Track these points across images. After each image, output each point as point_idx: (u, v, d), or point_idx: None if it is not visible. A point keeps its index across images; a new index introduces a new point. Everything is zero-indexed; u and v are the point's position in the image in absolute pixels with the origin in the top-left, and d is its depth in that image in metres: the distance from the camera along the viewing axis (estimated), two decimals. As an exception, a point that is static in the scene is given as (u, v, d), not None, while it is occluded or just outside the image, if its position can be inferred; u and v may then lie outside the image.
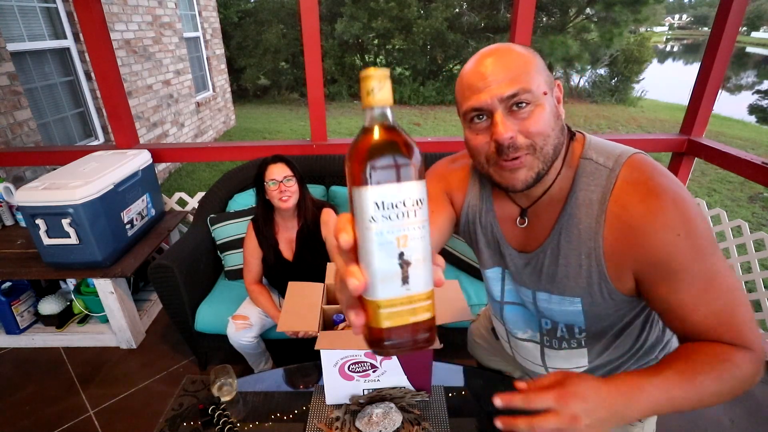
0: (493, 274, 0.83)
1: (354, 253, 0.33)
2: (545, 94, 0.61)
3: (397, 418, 0.92)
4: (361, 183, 0.30)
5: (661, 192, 0.59)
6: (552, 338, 0.81)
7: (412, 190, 0.30)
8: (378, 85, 0.31)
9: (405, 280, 0.31)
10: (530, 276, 0.75)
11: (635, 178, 0.62)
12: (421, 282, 0.32)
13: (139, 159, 1.97)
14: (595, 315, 0.73)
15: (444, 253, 1.95)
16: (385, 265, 0.31)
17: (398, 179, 0.30)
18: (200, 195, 2.35)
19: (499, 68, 0.60)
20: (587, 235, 0.65)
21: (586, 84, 10.89)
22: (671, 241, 0.57)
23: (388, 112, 0.32)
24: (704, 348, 0.59)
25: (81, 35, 3.39)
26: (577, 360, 0.82)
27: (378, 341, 0.33)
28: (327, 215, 0.35)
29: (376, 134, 0.31)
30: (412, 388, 1.00)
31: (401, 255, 0.31)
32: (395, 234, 0.30)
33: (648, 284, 0.63)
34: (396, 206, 0.30)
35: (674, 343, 0.86)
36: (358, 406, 0.96)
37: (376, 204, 0.30)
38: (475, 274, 1.83)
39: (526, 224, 0.74)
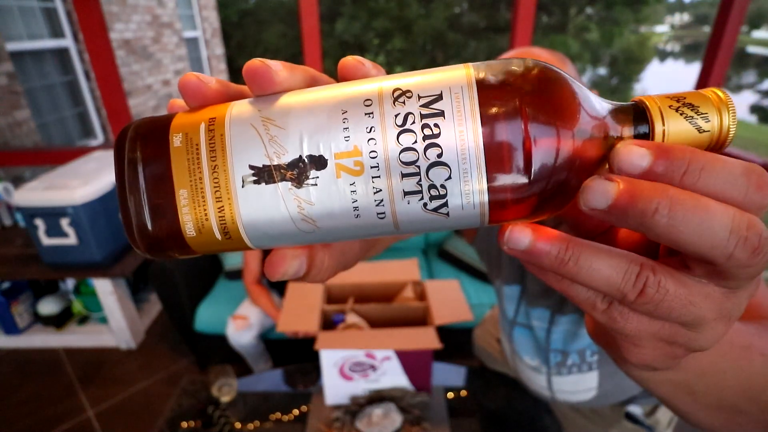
0: (510, 291, 0.81)
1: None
2: None
3: (397, 418, 0.92)
4: None
5: None
6: (561, 367, 0.78)
7: None
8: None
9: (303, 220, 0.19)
10: (556, 299, 0.73)
11: None
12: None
13: (139, 159, 1.96)
14: None
15: (444, 253, 1.94)
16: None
17: None
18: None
19: None
20: None
21: (587, 84, 10.92)
22: None
23: None
24: None
25: (80, 34, 3.39)
26: (586, 383, 0.79)
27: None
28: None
29: None
30: (412, 388, 0.99)
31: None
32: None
33: None
34: None
35: None
36: (357, 407, 0.96)
37: None
38: (475, 274, 1.83)
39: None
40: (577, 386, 0.79)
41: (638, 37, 11.21)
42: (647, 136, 0.19)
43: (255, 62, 0.19)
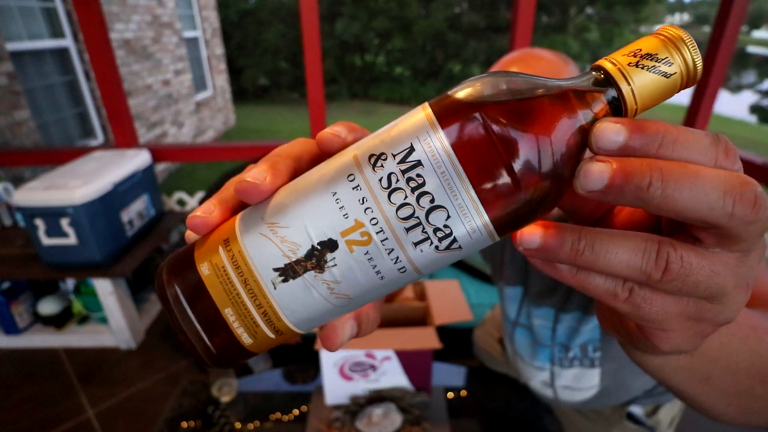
0: (512, 292, 0.81)
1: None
2: None
3: (397, 418, 0.92)
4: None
5: None
6: (563, 360, 0.79)
7: None
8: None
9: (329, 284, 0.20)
10: (559, 297, 0.73)
11: None
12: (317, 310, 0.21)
13: (139, 159, 1.96)
14: None
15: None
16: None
17: None
18: (200, 195, 2.35)
19: None
20: None
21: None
22: None
23: None
24: None
25: (80, 34, 3.39)
26: (588, 380, 0.80)
27: (166, 282, 0.22)
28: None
29: None
30: (412, 388, 0.99)
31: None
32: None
33: None
34: None
35: None
36: (357, 407, 0.96)
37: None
38: (475, 274, 1.83)
39: None
40: (579, 382, 0.79)
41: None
42: (617, 100, 0.19)
43: (242, 185, 0.20)
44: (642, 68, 0.18)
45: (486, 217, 0.18)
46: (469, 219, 0.18)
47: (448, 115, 0.18)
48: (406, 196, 0.18)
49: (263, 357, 1.70)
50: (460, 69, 9.89)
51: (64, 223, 1.63)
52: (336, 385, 0.97)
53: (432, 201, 0.18)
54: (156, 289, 0.23)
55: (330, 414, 0.96)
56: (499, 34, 9.35)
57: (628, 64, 0.19)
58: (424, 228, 0.19)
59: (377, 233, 0.19)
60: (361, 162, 0.19)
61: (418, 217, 0.18)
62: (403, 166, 0.18)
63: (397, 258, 0.19)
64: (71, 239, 1.66)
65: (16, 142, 2.78)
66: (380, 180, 0.19)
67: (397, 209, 0.18)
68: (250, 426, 0.96)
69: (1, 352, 1.98)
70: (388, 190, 0.18)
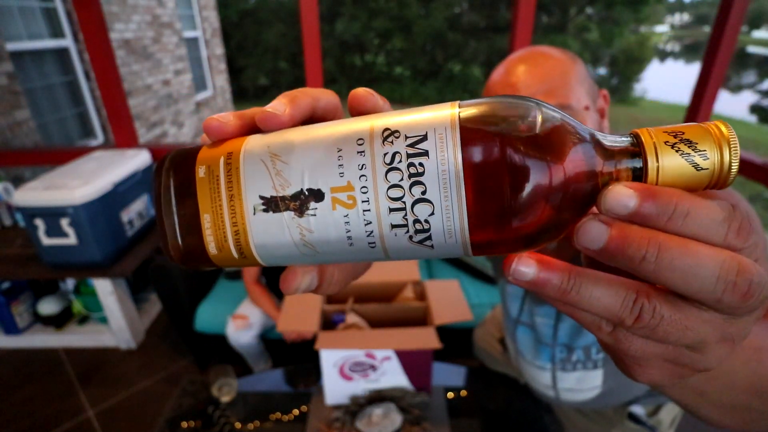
0: (514, 289, 0.81)
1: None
2: (587, 108, 0.54)
3: (397, 418, 0.92)
4: None
5: None
6: (566, 363, 0.79)
7: None
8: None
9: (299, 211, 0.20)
10: None
11: None
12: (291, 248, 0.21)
13: (139, 159, 1.96)
14: None
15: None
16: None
17: None
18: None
19: (532, 78, 0.53)
20: None
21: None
22: None
23: None
24: None
25: (80, 34, 3.39)
26: (591, 381, 0.79)
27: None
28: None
29: None
30: (412, 388, 0.99)
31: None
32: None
33: None
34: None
35: None
36: (357, 407, 0.96)
37: None
38: (475, 274, 1.83)
39: (555, 246, 0.68)
40: (582, 384, 0.79)
41: (638, 37, 11.20)
42: (641, 170, 0.18)
43: (263, 114, 0.21)
44: (676, 151, 0.18)
45: (467, 229, 0.19)
46: (450, 224, 0.19)
47: (473, 124, 0.19)
48: (401, 179, 0.19)
49: (263, 357, 1.70)
50: (460, 69, 9.89)
51: (64, 223, 1.63)
52: (336, 385, 0.97)
53: (423, 193, 0.18)
54: (154, 172, 0.23)
55: (330, 414, 0.96)
56: (499, 34, 9.35)
57: (665, 142, 0.18)
58: (406, 214, 0.19)
59: (362, 202, 0.19)
60: (375, 132, 0.20)
61: (404, 202, 0.19)
62: (411, 150, 0.19)
63: (371, 232, 0.20)
64: (71, 239, 1.66)
65: (16, 142, 2.78)
66: (385, 155, 0.19)
67: (389, 188, 0.19)
68: (250, 426, 0.96)
69: (1, 352, 1.98)
70: (388, 166, 0.19)
